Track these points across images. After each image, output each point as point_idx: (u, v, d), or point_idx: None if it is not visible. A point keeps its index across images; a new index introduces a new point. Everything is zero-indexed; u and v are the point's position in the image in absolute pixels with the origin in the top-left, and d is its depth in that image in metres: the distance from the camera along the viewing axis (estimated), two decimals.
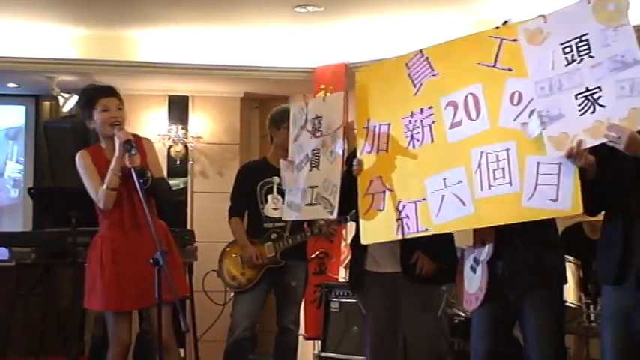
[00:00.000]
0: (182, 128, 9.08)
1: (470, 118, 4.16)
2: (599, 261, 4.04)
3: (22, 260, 7.25)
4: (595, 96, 3.66)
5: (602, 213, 4.09)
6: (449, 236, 4.76)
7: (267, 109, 6.88)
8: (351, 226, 6.94)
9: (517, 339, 5.38)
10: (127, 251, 4.93)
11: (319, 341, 7.15)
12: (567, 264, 4.97)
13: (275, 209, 6.12)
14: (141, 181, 4.66)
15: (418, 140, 4.38)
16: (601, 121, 3.63)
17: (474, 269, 4.41)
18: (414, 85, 4.42)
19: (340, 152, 4.69)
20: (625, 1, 3.62)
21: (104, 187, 4.85)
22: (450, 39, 4.44)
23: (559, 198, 3.80)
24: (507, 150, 3.98)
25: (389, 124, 4.52)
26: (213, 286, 6.79)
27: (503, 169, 3.99)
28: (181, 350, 7.45)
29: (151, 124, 8.95)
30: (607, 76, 3.62)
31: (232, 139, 9.31)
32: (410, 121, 4.42)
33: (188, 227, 8.84)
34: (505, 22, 4.24)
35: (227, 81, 8.78)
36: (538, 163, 3.87)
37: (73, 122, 8.28)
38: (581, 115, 3.69)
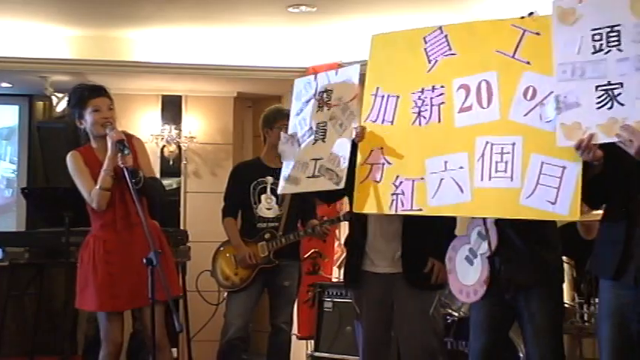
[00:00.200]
0: (175, 128, 9.07)
1: (480, 105, 4.08)
2: (597, 256, 3.99)
3: (15, 260, 7.25)
4: (615, 92, 3.57)
5: (602, 208, 4.06)
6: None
7: (260, 109, 6.87)
8: (344, 226, 6.97)
9: (512, 341, 5.42)
10: (119, 251, 4.92)
11: (312, 341, 7.15)
12: None
13: (268, 209, 6.13)
14: (133, 180, 4.67)
15: (425, 118, 4.29)
16: (616, 119, 3.55)
17: (470, 261, 4.37)
18: (429, 62, 4.32)
19: (353, 124, 4.56)
20: None
21: (97, 187, 4.84)
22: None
23: (557, 201, 3.76)
24: (514, 144, 3.92)
25: (398, 96, 4.42)
26: (206, 286, 6.78)
27: (506, 162, 3.93)
28: (174, 350, 7.46)
29: (144, 123, 8.95)
30: (631, 74, 3.53)
31: (225, 139, 9.31)
32: (419, 97, 4.32)
33: (181, 227, 8.84)
34: (531, 14, 4.09)
35: (220, 81, 8.78)
36: (542, 162, 3.82)
37: (66, 122, 8.27)
38: (597, 108, 3.61)
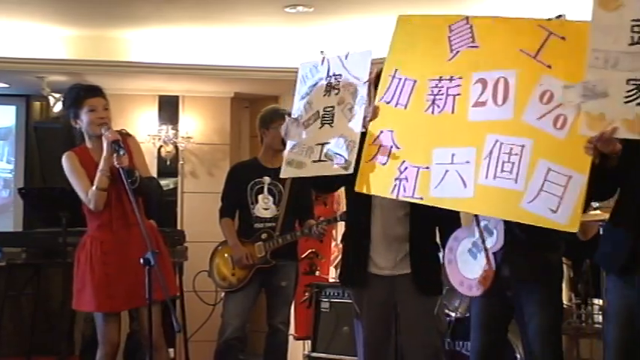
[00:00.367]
0: (172, 128, 9.07)
1: (495, 103, 4.00)
2: (604, 253, 3.98)
3: (12, 260, 7.26)
4: None
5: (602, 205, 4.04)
6: None
7: (257, 109, 6.88)
8: (341, 226, 6.97)
9: (510, 342, 5.42)
10: (116, 252, 4.92)
11: (309, 341, 7.14)
12: None
13: (266, 209, 6.13)
14: (129, 180, 4.66)
15: (439, 107, 4.19)
16: None
17: (473, 254, 4.32)
18: (451, 51, 4.21)
19: (362, 109, 4.43)
20: None
21: (94, 187, 4.84)
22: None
23: (558, 210, 3.70)
24: (523, 146, 3.85)
25: (415, 81, 4.30)
26: (203, 286, 6.79)
27: (513, 163, 3.86)
28: (171, 350, 7.46)
29: (141, 124, 8.94)
30: None
31: (223, 139, 9.31)
32: (436, 85, 4.21)
33: (178, 227, 8.83)
34: (559, 17, 4.05)
35: (217, 81, 8.78)
36: (549, 169, 3.76)
37: (63, 122, 8.28)
38: (625, 102, 3.53)
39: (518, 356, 5.50)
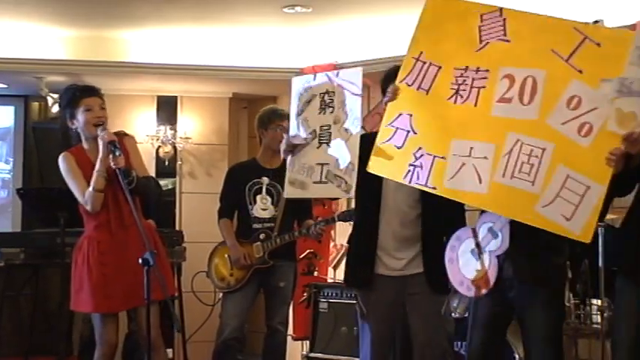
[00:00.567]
0: (171, 129, 9.06)
1: (521, 101, 3.91)
2: (616, 253, 3.99)
3: (10, 261, 7.24)
4: None
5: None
6: None
7: (255, 110, 6.86)
8: (339, 226, 6.97)
9: (508, 342, 5.42)
10: (113, 252, 4.91)
11: (308, 342, 7.15)
12: None
13: (264, 209, 6.13)
14: (126, 181, 4.66)
15: (462, 97, 4.09)
16: None
17: (476, 255, 4.25)
18: (480, 41, 4.10)
19: (358, 129, 4.42)
20: None
21: (90, 189, 4.83)
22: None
23: (572, 218, 3.69)
24: (544, 149, 3.79)
25: (440, 67, 4.19)
26: (202, 286, 6.79)
27: (532, 165, 3.81)
28: (169, 351, 7.45)
29: (139, 124, 8.93)
30: None
31: (221, 140, 9.30)
32: (462, 74, 4.12)
33: (177, 228, 8.83)
34: (596, 22, 4.00)
35: (216, 81, 8.77)
36: (568, 176, 3.72)
37: (60, 123, 8.27)
38: None
39: (517, 357, 5.49)
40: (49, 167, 8.81)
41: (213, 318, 6.77)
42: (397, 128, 4.25)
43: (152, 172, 7.97)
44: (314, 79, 4.74)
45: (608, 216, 4.80)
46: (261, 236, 6.09)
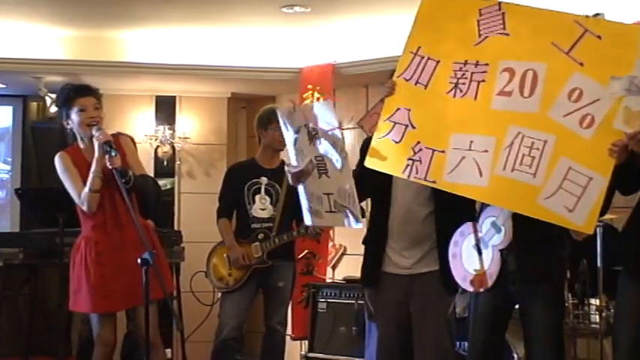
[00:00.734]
0: (169, 129, 9.05)
1: (521, 94, 3.93)
2: (620, 252, 3.99)
3: (9, 261, 7.24)
4: None
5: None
6: None
7: (254, 110, 6.87)
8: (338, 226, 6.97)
9: (507, 342, 5.42)
10: (111, 252, 4.91)
11: (306, 342, 7.15)
12: None
13: (263, 209, 6.13)
14: (122, 180, 4.65)
15: (461, 91, 4.10)
16: None
17: (479, 250, 4.27)
18: (479, 35, 4.11)
19: (344, 163, 4.35)
20: None
21: (86, 189, 4.82)
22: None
23: (575, 210, 3.70)
24: (545, 142, 3.81)
25: (438, 61, 4.20)
26: (200, 286, 6.79)
27: (533, 157, 3.82)
28: (168, 351, 7.45)
29: (138, 124, 8.93)
30: None
31: (220, 140, 9.29)
32: (461, 68, 4.12)
33: (175, 228, 8.82)
34: (597, 15, 3.97)
35: (214, 81, 8.77)
36: (570, 167, 3.74)
37: (58, 123, 8.27)
38: None
39: (516, 357, 5.49)
40: (47, 167, 8.73)
41: (212, 318, 6.77)
42: (395, 123, 4.25)
43: (151, 172, 7.97)
44: (294, 109, 4.70)
45: (608, 216, 4.79)
46: (260, 236, 6.09)
